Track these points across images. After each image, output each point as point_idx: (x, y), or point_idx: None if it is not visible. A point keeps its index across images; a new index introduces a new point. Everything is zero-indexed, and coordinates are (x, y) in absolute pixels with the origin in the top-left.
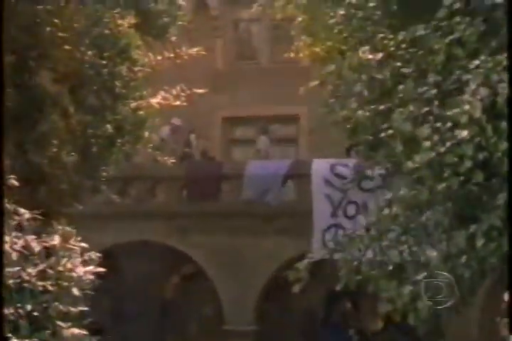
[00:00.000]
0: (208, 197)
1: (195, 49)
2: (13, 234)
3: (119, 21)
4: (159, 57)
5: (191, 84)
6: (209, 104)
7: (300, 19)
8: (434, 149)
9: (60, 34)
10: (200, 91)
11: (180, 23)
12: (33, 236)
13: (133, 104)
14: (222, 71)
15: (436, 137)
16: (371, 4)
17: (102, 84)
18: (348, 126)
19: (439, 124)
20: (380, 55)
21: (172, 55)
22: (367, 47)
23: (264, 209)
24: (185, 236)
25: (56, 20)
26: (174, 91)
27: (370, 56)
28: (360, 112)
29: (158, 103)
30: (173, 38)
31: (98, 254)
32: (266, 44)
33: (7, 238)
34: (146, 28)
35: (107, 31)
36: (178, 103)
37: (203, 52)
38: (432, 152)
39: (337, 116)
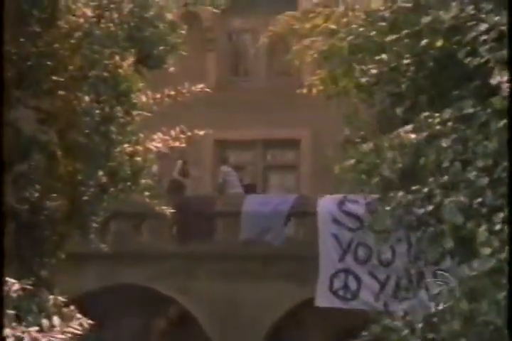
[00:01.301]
0: (200, 237)
1: (199, 86)
2: (13, 324)
3: (118, 61)
4: (158, 95)
5: (179, 103)
6: (199, 125)
7: (316, 56)
8: (494, 256)
9: (54, 78)
10: (202, 133)
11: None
12: (36, 328)
13: (129, 149)
14: (214, 88)
15: (495, 242)
16: (405, 61)
17: (95, 128)
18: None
19: (498, 227)
20: (424, 135)
21: (173, 93)
22: (410, 126)
23: (264, 251)
24: (175, 281)
25: (49, 63)
26: (173, 133)
27: (413, 135)
28: (400, 194)
29: (157, 147)
30: (171, 69)
31: (90, 321)
32: (263, 58)
33: (7, 330)
34: (141, 57)
35: (105, 74)
36: (177, 144)
37: (208, 90)
38: (492, 259)
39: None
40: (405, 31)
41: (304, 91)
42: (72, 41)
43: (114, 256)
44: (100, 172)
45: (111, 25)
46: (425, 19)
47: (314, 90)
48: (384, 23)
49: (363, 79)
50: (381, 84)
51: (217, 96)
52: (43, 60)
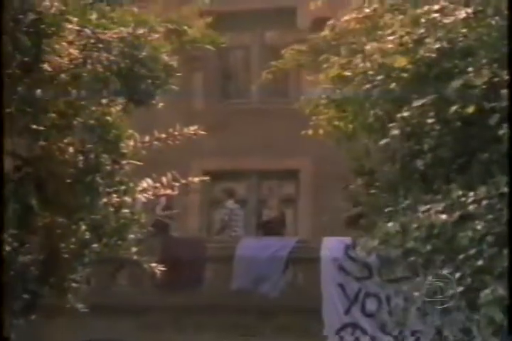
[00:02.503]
0: (187, 286)
1: (192, 128)
2: None
3: (106, 107)
4: (147, 138)
5: (162, 128)
6: (186, 154)
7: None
8: None
9: (34, 127)
10: (197, 180)
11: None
12: None
13: (115, 200)
14: (202, 112)
15: None
16: (430, 120)
17: (79, 178)
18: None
19: None
20: (456, 215)
21: (164, 136)
22: (441, 205)
23: (260, 303)
24: (159, 336)
25: (29, 109)
26: (164, 180)
27: (444, 216)
28: (429, 279)
29: (147, 197)
30: (160, 105)
31: None
32: (258, 78)
33: None
34: (127, 92)
35: (92, 121)
36: (169, 192)
37: (203, 132)
38: None
39: None
40: (434, 96)
41: (310, 132)
42: (56, 82)
43: (88, 309)
44: (82, 226)
45: (98, 66)
46: (456, 83)
47: (321, 131)
48: (405, 74)
49: (383, 141)
50: (402, 141)
51: (205, 120)
52: (23, 106)
